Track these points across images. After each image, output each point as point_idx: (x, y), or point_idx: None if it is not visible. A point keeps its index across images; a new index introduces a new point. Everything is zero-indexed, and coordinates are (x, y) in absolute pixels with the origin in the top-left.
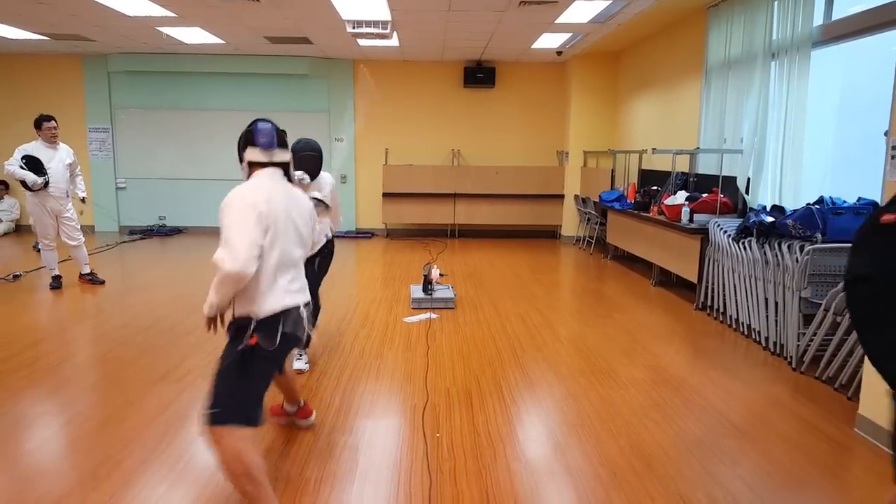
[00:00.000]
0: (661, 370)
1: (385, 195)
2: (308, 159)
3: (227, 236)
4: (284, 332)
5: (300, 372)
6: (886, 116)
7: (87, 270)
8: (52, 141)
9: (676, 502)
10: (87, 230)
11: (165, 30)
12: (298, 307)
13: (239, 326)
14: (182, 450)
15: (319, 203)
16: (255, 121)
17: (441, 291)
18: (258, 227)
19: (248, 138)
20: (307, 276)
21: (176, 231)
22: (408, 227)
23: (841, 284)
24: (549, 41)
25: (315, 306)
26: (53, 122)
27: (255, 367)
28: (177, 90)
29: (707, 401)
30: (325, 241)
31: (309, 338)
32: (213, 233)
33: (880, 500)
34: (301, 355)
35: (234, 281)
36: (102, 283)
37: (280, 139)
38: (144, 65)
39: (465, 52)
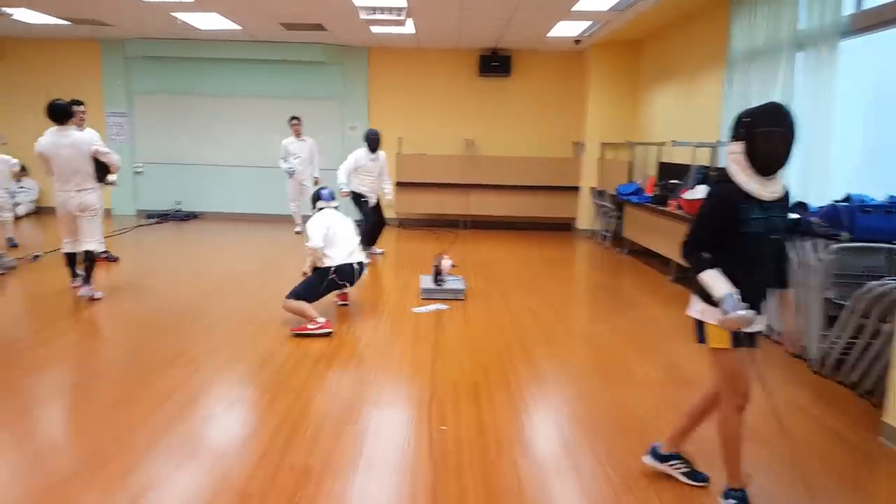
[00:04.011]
0: (677, 368)
1: (398, 184)
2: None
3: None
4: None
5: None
6: None
7: (102, 248)
8: (80, 125)
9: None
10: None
11: (182, 15)
12: (351, 264)
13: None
14: (190, 432)
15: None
16: (320, 189)
17: (451, 282)
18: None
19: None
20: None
21: (191, 216)
22: (420, 216)
23: (868, 285)
24: (567, 29)
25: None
26: (82, 106)
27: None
28: (194, 76)
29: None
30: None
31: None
32: (228, 218)
33: None
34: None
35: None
36: (116, 260)
37: (333, 196)
38: (162, 50)
39: (481, 39)
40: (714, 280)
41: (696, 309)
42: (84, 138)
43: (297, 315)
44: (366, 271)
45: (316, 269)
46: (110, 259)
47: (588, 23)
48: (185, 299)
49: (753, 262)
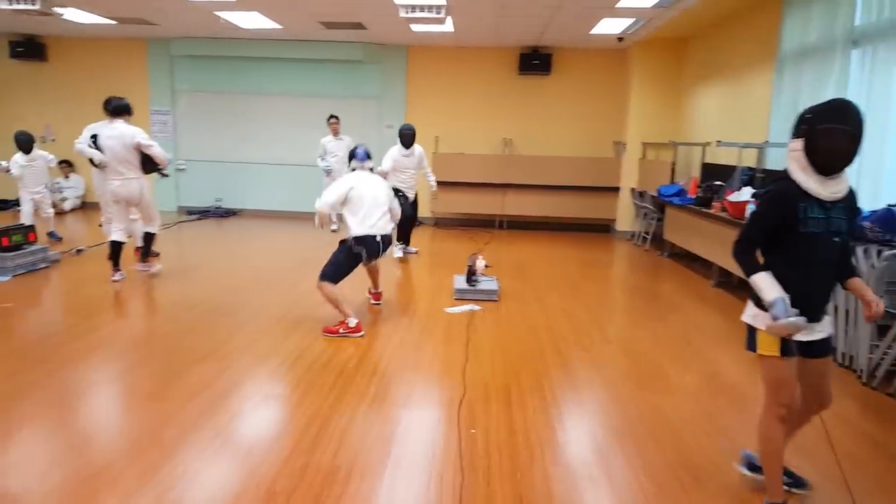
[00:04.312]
0: (717, 378)
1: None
2: (407, 136)
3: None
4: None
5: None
6: None
7: (140, 243)
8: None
9: None
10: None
11: (224, 14)
12: (374, 236)
13: (345, 240)
14: (220, 427)
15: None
16: (356, 147)
17: (485, 283)
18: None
19: (350, 155)
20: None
21: (231, 213)
22: (455, 216)
23: None
24: (610, 26)
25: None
26: None
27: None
28: (235, 75)
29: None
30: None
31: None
32: (268, 216)
33: None
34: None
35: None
36: (157, 255)
37: (368, 155)
38: (205, 49)
39: (521, 37)
40: (765, 283)
41: (749, 314)
42: (127, 132)
43: (330, 304)
44: (391, 247)
45: (341, 243)
46: (150, 254)
47: (631, 20)
48: (221, 295)
49: (810, 264)
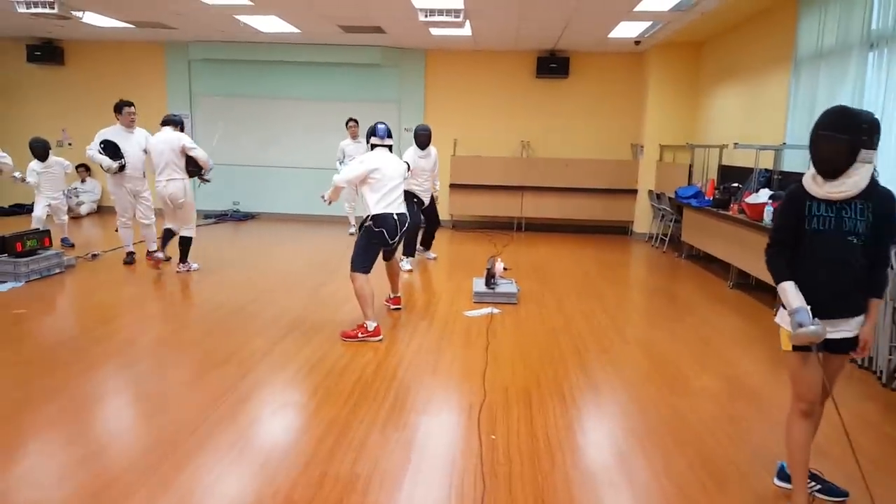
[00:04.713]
0: (737, 380)
1: (452, 186)
2: (423, 136)
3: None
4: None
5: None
6: None
7: (154, 248)
8: (130, 125)
9: None
10: (161, 213)
11: (243, 18)
12: (392, 214)
13: (363, 224)
14: (238, 435)
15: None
16: (377, 123)
17: (504, 286)
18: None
19: (371, 132)
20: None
21: (249, 216)
22: (474, 218)
23: None
24: (628, 30)
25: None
26: (132, 107)
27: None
28: (253, 79)
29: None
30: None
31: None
32: (285, 219)
33: None
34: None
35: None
36: (168, 259)
37: (389, 133)
38: (223, 53)
39: (539, 41)
40: (788, 292)
41: (779, 315)
42: (173, 137)
43: (357, 300)
44: (406, 226)
45: (361, 227)
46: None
47: (648, 23)
48: (241, 299)
49: (819, 261)
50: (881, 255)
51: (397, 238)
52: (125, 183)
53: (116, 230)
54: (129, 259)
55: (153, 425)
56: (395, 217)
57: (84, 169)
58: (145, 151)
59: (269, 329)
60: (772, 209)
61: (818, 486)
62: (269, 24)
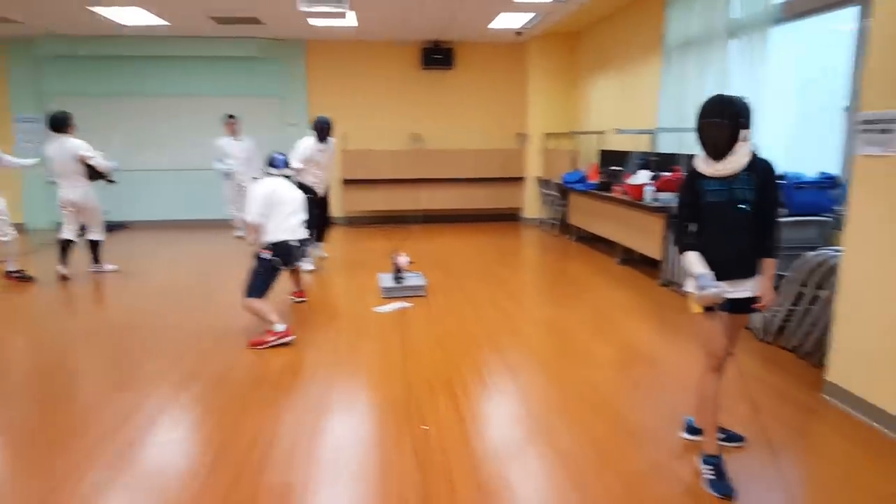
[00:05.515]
0: (635, 348)
1: (344, 182)
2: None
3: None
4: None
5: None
6: (841, 93)
7: (14, 267)
8: None
9: (666, 474)
10: (18, 227)
11: (100, 10)
12: (287, 241)
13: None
14: (145, 468)
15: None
16: (274, 154)
17: (411, 279)
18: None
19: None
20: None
21: (120, 226)
22: (368, 214)
23: (805, 256)
24: (508, 21)
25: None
26: None
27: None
28: (118, 76)
29: (680, 374)
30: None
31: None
32: (162, 226)
33: (850, 457)
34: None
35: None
36: (31, 279)
37: (287, 163)
38: (79, 48)
39: (423, 32)
40: (691, 260)
41: (687, 283)
42: (70, 145)
43: (256, 317)
44: (309, 250)
45: (257, 256)
46: (23, 279)
47: (530, 14)
48: (127, 318)
49: (717, 230)
50: (769, 218)
51: (297, 260)
52: None
53: None
54: None
55: (39, 471)
56: (296, 243)
57: None
58: None
59: (167, 346)
60: (651, 189)
61: (724, 436)
62: (132, 17)
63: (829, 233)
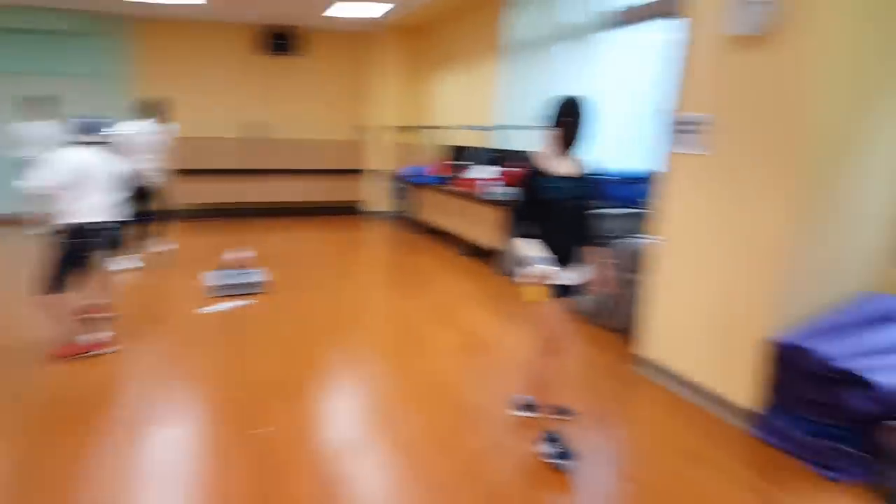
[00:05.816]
0: (474, 335)
1: (179, 172)
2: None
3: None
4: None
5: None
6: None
7: None
8: None
9: (503, 451)
10: None
11: None
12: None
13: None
14: None
15: None
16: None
17: (247, 276)
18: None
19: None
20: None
21: None
22: (202, 206)
23: (618, 243)
24: (347, 10)
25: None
26: None
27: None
28: None
29: (515, 357)
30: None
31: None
32: None
33: (658, 420)
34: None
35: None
36: None
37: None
38: None
39: (266, 15)
40: (524, 245)
41: (519, 276)
42: None
43: (58, 323)
44: (122, 235)
45: (54, 238)
46: None
47: (375, 5)
48: None
49: (550, 223)
50: (584, 214)
51: (100, 247)
52: None
53: None
54: None
55: None
56: (106, 225)
57: None
58: None
59: None
60: (489, 183)
61: (557, 410)
62: None
63: (642, 223)
